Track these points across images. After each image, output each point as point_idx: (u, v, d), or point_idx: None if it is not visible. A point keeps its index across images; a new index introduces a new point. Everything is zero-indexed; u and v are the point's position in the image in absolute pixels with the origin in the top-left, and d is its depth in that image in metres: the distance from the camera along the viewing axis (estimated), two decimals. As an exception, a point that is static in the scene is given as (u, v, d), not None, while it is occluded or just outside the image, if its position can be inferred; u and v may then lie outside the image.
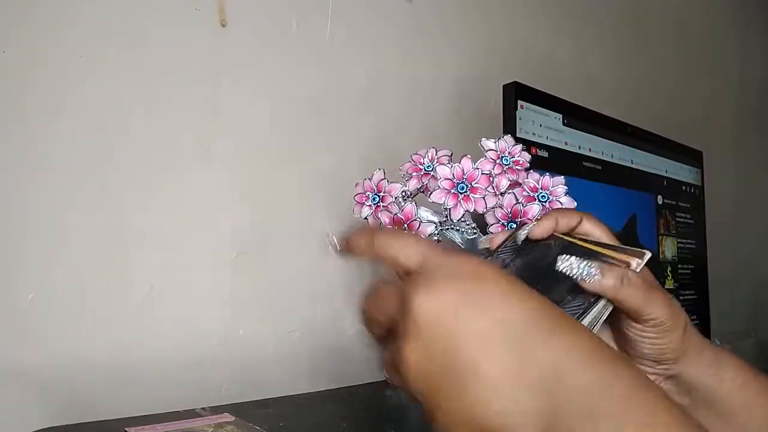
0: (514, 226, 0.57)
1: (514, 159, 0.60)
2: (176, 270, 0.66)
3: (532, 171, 0.61)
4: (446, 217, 0.59)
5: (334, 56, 0.80)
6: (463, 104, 0.95)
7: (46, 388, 0.57)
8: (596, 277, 0.37)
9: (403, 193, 0.62)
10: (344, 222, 0.78)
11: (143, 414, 0.52)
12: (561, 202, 0.58)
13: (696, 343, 0.40)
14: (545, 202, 0.58)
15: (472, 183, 0.57)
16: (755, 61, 1.78)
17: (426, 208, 0.62)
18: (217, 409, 0.53)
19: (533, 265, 0.41)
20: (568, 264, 0.38)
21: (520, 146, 0.61)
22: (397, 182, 0.62)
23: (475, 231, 0.61)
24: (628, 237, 1.00)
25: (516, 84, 0.78)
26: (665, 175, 1.11)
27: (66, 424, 0.50)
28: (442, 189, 0.58)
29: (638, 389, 0.26)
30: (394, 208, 0.61)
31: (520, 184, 0.59)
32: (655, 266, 1.06)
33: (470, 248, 0.42)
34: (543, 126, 0.82)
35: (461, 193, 0.57)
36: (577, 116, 0.89)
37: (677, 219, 1.13)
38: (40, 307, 0.57)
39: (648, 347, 0.39)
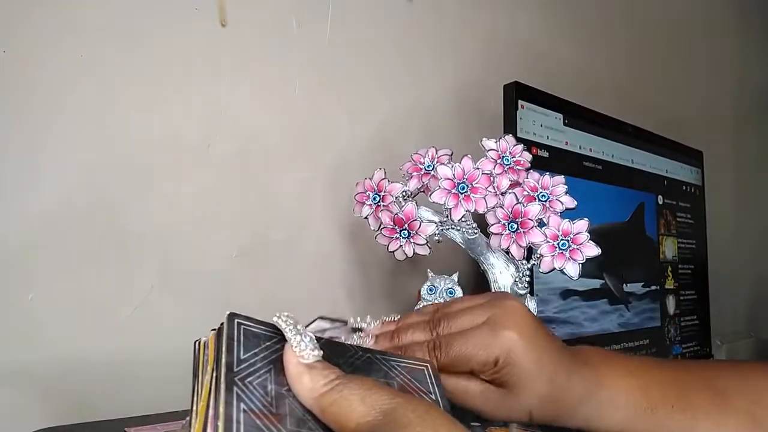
0: (515, 226, 0.57)
1: (515, 159, 0.60)
2: (176, 270, 0.66)
3: (532, 171, 0.60)
4: (447, 216, 0.59)
5: (334, 56, 0.80)
6: (463, 104, 0.95)
7: (46, 388, 0.57)
8: None
9: (404, 193, 0.62)
10: (345, 222, 0.78)
11: (143, 414, 0.52)
12: (561, 202, 0.58)
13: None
14: (545, 201, 0.58)
15: (473, 183, 0.57)
16: (755, 61, 1.78)
17: (427, 208, 0.62)
18: (217, 410, 0.53)
19: None
20: None
21: (521, 146, 0.61)
22: (397, 182, 0.62)
23: (475, 231, 0.61)
24: (635, 225, 1.01)
25: (516, 84, 0.78)
26: (665, 175, 1.11)
27: (66, 424, 0.49)
28: (442, 189, 0.58)
29: None
30: (395, 208, 0.61)
31: (521, 184, 0.59)
32: (656, 266, 1.07)
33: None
34: (543, 126, 0.82)
35: (462, 193, 0.57)
36: (577, 116, 0.89)
37: (678, 219, 1.13)
38: (40, 307, 0.57)
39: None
